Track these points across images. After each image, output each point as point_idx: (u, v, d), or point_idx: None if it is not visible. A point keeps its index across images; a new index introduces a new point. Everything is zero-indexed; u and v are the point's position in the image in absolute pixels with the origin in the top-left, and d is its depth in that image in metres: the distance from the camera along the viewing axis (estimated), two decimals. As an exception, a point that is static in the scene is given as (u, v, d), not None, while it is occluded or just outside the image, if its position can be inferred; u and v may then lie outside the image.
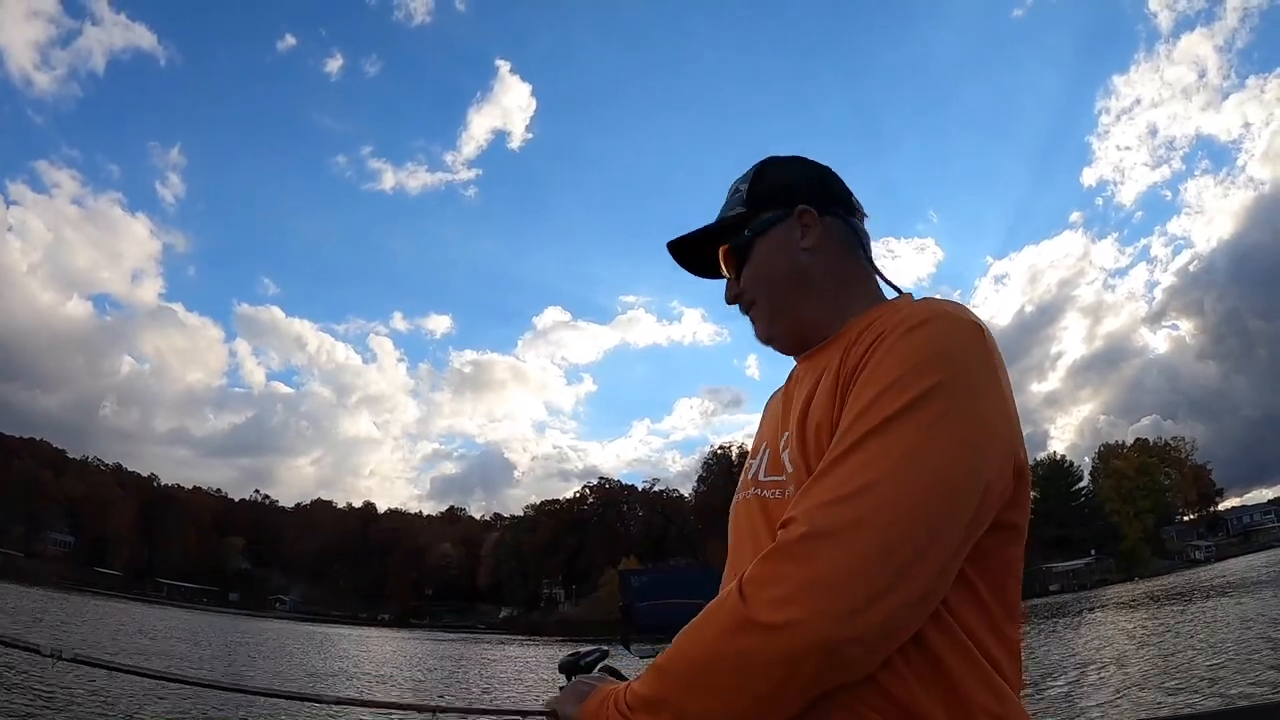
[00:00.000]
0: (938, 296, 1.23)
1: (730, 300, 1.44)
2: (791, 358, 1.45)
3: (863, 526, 0.95)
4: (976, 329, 1.12)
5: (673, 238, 1.48)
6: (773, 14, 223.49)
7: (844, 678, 0.97)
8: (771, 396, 1.56)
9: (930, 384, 1.04)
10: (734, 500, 1.37)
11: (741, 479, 1.38)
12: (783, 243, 1.38)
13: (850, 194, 1.45)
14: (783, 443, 1.24)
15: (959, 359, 1.08)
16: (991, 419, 1.07)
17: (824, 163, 1.47)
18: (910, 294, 1.36)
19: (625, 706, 1.06)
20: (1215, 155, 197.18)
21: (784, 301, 1.38)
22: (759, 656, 0.95)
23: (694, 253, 1.48)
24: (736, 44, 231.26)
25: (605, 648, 1.30)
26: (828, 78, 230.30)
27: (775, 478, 1.25)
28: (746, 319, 1.43)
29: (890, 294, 1.38)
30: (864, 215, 1.45)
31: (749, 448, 1.48)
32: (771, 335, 1.41)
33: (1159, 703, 11.38)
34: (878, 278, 1.41)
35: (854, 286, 1.37)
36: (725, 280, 1.46)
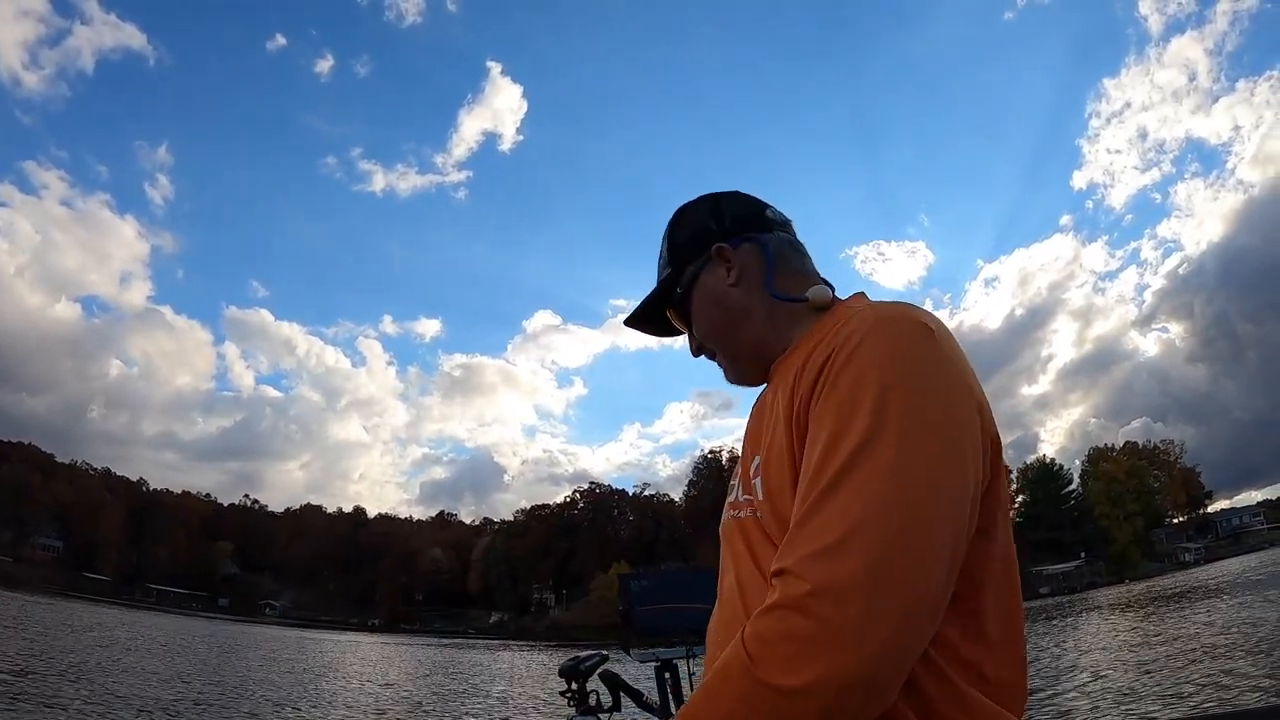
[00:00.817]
0: (890, 300, 1.20)
1: (695, 354, 1.45)
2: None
3: (860, 573, 0.92)
4: (922, 328, 1.09)
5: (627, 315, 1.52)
6: (767, 18, 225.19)
7: (874, 714, 0.93)
8: (754, 405, 1.54)
9: (886, 403, 1.01)
10: (723, 516, 1.37)
11: (729, 494, 1.38)
12: (712, 289, 1.38)
13: (761, 210, 1.42)
14: (754, 467, 1.23)
15: (910, 367, 1.05)
16: (958, 416, 1.04)
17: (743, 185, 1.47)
18: (861, 293, 1.35)
19: None
20: (1205, 158, 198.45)
21: (734, 343, 1.37)
22: (767, 713, 0.92)
23: (657, 318, 1.50)
24: (731, 47, 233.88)
25: (604, 653, 1.25)
26: (822, 81, 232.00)
27: (746, 497, 1.25)
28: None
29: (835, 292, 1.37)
30: (783, 222, 1.42)
31: (740, 452, 1.46)
32: (739, 377, 1.40)
33: (1153, 707, 11.34)
34: (821, 281, 1.38)
35: (792, 303, 1.34)
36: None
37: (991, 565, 1.08)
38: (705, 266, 1.39)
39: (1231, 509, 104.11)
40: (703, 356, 1.45)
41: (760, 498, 1.18)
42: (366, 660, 37.56)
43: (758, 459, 1.22)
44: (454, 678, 28.50)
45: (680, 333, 1.50)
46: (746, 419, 1.49)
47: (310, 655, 37.33)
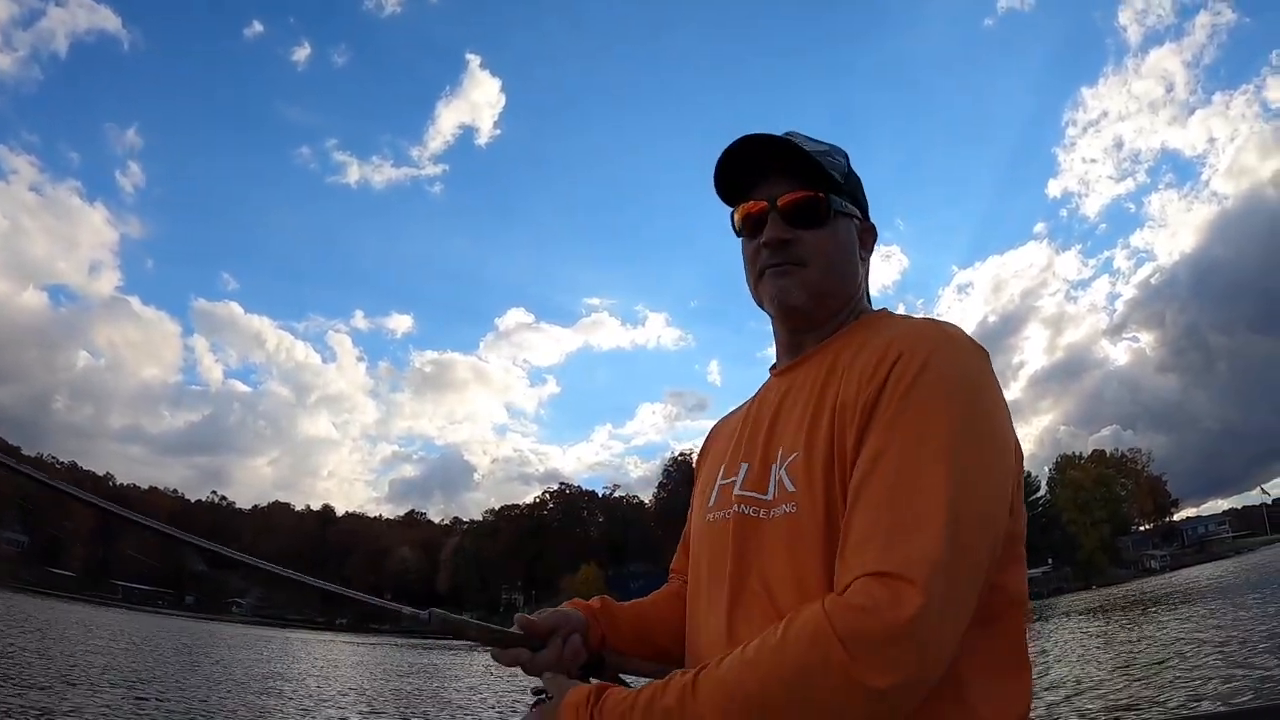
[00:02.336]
0: (932, 316, 1.27)
1: (772, 241, 1.35)
2: (776, 342, 1.47)
3: (942, 576, 0.96)
4: (983, 351, 1.16)
5: (720, 163, 1.38)
6: (751, 16, 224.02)
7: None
8: (728, 415, 1.58)
9: (963, 414, 1.06)
10: (703, 517, 1.37)
11: (706, 496, 1.39)
12: (852, 238, 1.40)
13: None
14: (781, 461, 1.22)
15: (979, 385, 1.11)
16: (1008, 440, 1.12)
17: None
18: (885, 309, 1.42)
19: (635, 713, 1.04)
20: (1180, 169, 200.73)
21: (836, 283, 1.36)
22: (852, 714, 0.94)
23: (747, 158, 1.38)
24: (714, 45, 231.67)
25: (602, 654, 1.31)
26: (804, 82, 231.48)
27: (756, 494, 1.25)
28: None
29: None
30: None
31: (732, 444, 1.46)
32: (806, 304, 1.35)
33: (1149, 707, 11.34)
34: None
35: (858, 307, 1.41)
36: (756, 210, 1.37)
37: (1005, 576, 1.13)
38: (855, 222, 1.41)
39: (1198, 517, 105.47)
40: (760, 247, 1.36)
41: (799, 491, 1.17)
42: (334, 663, 36.78)
43: (790, 453, 1.22)
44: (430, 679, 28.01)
45: (730, 190, 1.41)
46: (737, 412, 1.52)
47: (275, 656, 36.68)
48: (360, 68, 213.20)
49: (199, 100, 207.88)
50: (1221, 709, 7.84)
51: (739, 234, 1.42)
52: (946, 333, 1.17)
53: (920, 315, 1.30)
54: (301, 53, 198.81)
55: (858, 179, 1.43)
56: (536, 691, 1.31)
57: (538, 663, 1.32)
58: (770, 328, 1.49)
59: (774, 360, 1.48)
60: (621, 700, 1.08)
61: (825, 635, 0.95)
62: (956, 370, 1.11)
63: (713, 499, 1.37)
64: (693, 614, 1.37)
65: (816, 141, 1.39)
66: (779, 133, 1.36)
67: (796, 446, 1.21)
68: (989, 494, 1.05)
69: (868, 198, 1.44)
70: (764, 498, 1.23)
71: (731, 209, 1.42)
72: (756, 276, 1.38)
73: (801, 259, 1.34)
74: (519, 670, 1.29)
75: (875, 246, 1.48)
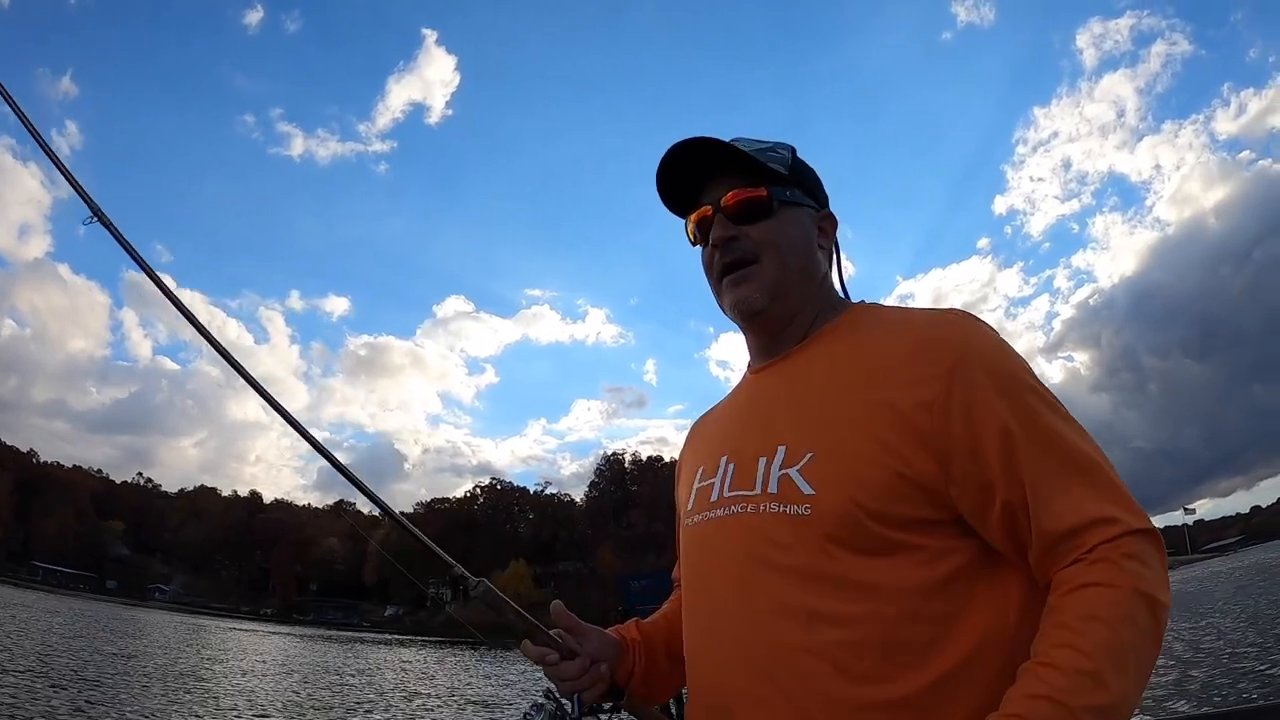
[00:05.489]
0: (954, 306, 1.32)
1: (719, 241, 1.32)
2: (747, 344, 1.44)
3: (1139, 510, 1.09)
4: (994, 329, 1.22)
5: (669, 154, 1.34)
6: (710, 14, 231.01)
7: None
8: (706, 416, 1.57)
9: (1036, 386, 1.16)
10: (696, 518, 1.32)
11: (696, 496, 1.34)
12: (807, 229, 1.35)
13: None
14: (786, 461, 1.19)
15: (1021, 360, 1.19)
16: None
17: None
18: (866, 301, 1.41)
19: None
20: (1125, 194, 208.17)
21: (794, 278, 1.32)
22: (1159, 634, 1.03)
23: (690, 167, 1.36)
24: (675, 38, 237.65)
25: None
26: (760, 83, 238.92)
27: (745, 492, 1.22)
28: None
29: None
30: None
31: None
32: (767, 306, 1.31)
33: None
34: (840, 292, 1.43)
35: (830, 298, 1.39)
36: (706, 215, 1.34)
37: None
38: (810, 211, 1.37)
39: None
40: (712, 251, 1.34)
41: (819, 494, 1.14)
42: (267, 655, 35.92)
43: (810, 454, 1.17)
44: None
45: (676, 200, 1.40)
46: (714, 412, 1.53)
47: (197, 646, 36.19)
48: (313, 36, 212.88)
49: (143, 57, 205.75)
50: (1222, 709, 8.04)
51: (694, 243, 1.40)
52: (965, 315, 1.21)
53: (914, 306, 1.33)
54: (254, 16, 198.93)
55: (809, 169, 1.40)
56: (548, 694, 1.36)
57: (561, 671, 1.33)
58: (739, 334, 1.46)
59: (731, 361, 1.80)
60: None
61: (1128, 584, 1.02)
62: (1000, 346, 1.18)
63: (692, 502, 1.35)
64: (696, 625, 1.31)
65: (757, 140, 1.36)
66: (726, 139, 1.33)
67: (811, 447, 1.18)
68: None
69: (827, 190, 1.42)
70: (751, 494, 1.21)
71: (684, 220, 1.40)
72: (717, 283, 1.35)
73: (752, 254, 1.31)
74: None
75: (836, 233, 1.42)
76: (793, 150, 1.38)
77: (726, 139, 1.33)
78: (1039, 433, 1.10)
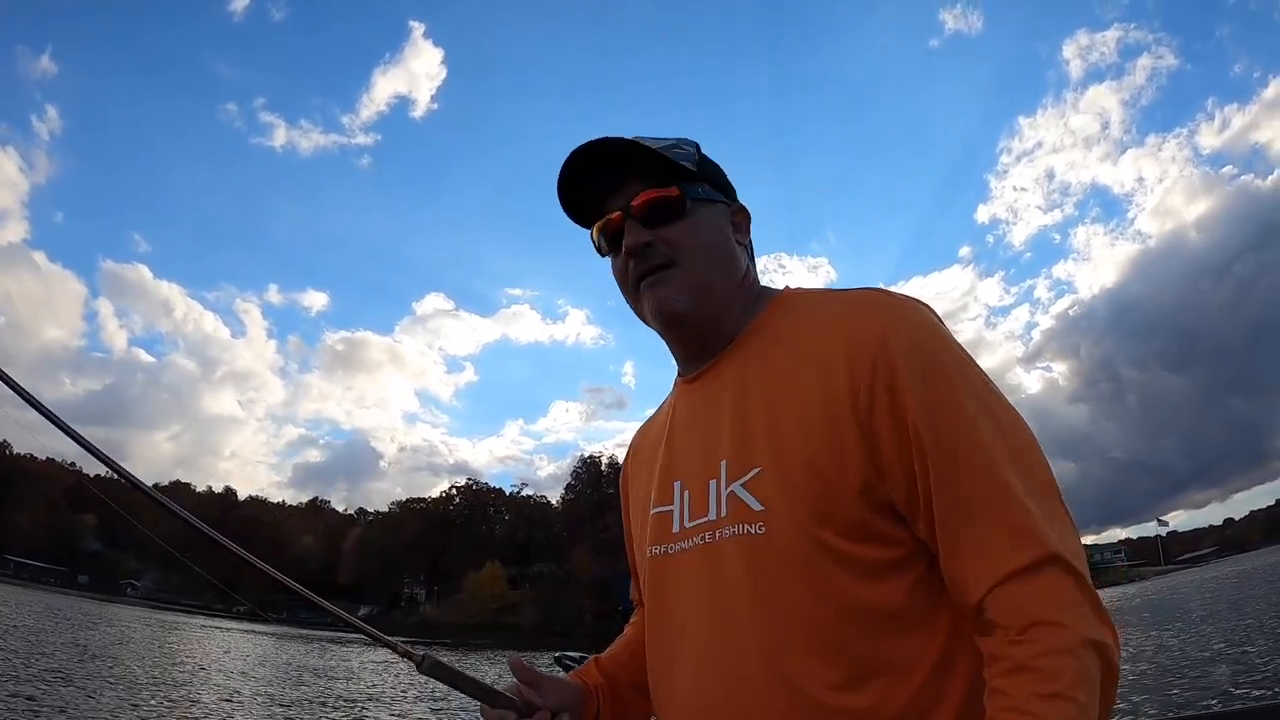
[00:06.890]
0: (844, 288, 1.24)
1: (633, 248, 1.24)
2: (672, 352, 1.38)
3: (1073, 538, 1.03)
4: (922, 303, 1.17)
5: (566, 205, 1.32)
6: (698, 14, 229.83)
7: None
8: (646, 427, 1.51)
9: (980, 379, 1.11)
10: (657, 551, 1.26)
11: (653, 525, 1.29)
12: (720, 225, 1.29)
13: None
14: (731, 478, 1.15)
15: (955, 343, 1.14)
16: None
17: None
18: (790, 287, 1.33)
19: None
20: (1107, 206, 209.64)
21: (716, 279, 1.26)
22: (1114, 675, 0.97)
23: (591, 174, 1.27)
24: (662, 37, 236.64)
25: (596, 655, 1.53)
26: (749, 80, 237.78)
27: (703, 519, 1.18)
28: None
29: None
30: None
31: (623, 457, 1.48)
32: (688, 307, 1.24)
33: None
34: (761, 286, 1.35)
35: (754, 292, 1.33)
36: (615, 222, 1.26)
37: None
38: (721, 206, 1.31)
39: (1094, 545, 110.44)
40: (625, 259, 1.26)
41: (770, 510, 1.10)
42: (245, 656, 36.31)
43: (757, 469, 1.13)
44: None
45: (579, 210, 1.33)
46: (653, 423, 1.47)
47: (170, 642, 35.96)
48: (298, 24, 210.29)
49: (125, 41, 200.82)
50: (1222, 709, 8.08)
51: (602, 253, 1.32)
52: (894, 298, 1.15)
53: (827, 287, 1.29)
54: (239, 2, 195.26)
55: (714, 164, 1.33)
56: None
57: None
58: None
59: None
60: None
61: (1076, 643, 0.95)
62: (940, 332, 1.13)
63: (650, 532, 1.29)
64: (660, 659, 1.26)
65: (660, 139, 1.27)
66: (628, 136, 1.25)
67: (756, 461, 1.13)
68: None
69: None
70: (710, 519, 1.16)
71: (589, 230, 1.32)
72: (633, 292, 1.28)
73: (669, 258, 1.23)
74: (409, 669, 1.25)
75: (750, 227, 1.36)
76: (697, 146, 1.32)
77: (643, 138, 1.26)
78: (955, 433, 1.04)
